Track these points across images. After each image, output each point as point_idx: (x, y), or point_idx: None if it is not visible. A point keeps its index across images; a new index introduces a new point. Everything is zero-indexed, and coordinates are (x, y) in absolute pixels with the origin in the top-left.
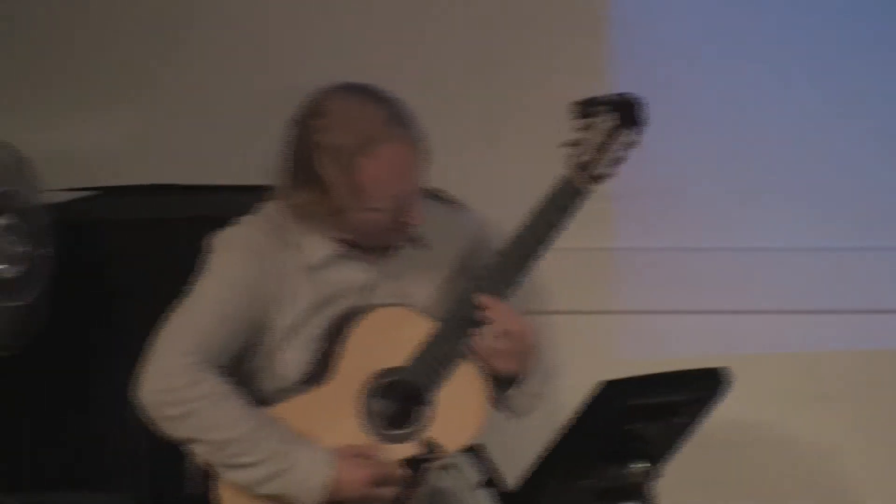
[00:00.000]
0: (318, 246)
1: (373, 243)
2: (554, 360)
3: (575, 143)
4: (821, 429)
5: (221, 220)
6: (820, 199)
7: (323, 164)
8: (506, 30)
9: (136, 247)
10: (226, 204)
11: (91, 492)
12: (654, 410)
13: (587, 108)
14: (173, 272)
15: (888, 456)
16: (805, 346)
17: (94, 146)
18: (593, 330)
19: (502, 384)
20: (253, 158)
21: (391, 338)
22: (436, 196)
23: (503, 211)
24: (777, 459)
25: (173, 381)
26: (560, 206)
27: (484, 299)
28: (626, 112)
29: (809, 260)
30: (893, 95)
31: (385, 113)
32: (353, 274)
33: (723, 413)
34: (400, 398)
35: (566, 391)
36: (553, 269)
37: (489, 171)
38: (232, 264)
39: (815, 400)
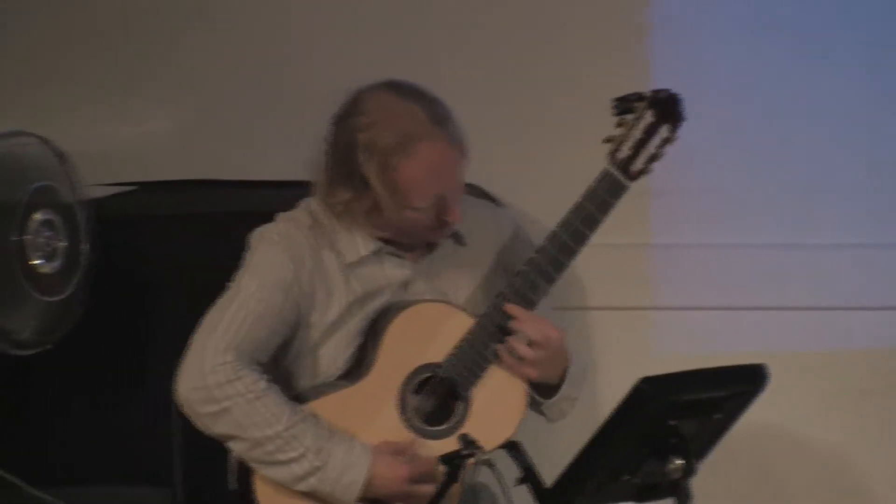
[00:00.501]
0: (356, 243)
1: (411, 241)
2: (587, 361)
3: (614, 140)
4: (860, 426)
5: (259, 216)
6: (858, 196)
7: (363, 163)
8: (547, 30)
9: (173, 242)
10: (264, 200)
11: (127, 486)
12: (695, 407)
13: (626, 104)
14: (210, 268)
15: None
16: (844, 344)
17: (132, 141)
18: (631, 326)
19: (534, 391)
20: (291, 154)
21: (430, 333)
22: (473, 193)
23: (544, 207)
24: (814, 457)
25: (210, 378)
26: (599, 201)
27: (512, 309)
28: (664, 108)
29: (849, 257)
30: None
31: (425, 112)
32: (391, 271)
33: (761, 410)
34: (438, 394)
35: (604, 387)
36: (592, 265)
37: (531, 169)
38: (270, 262)
39: (855, 397)
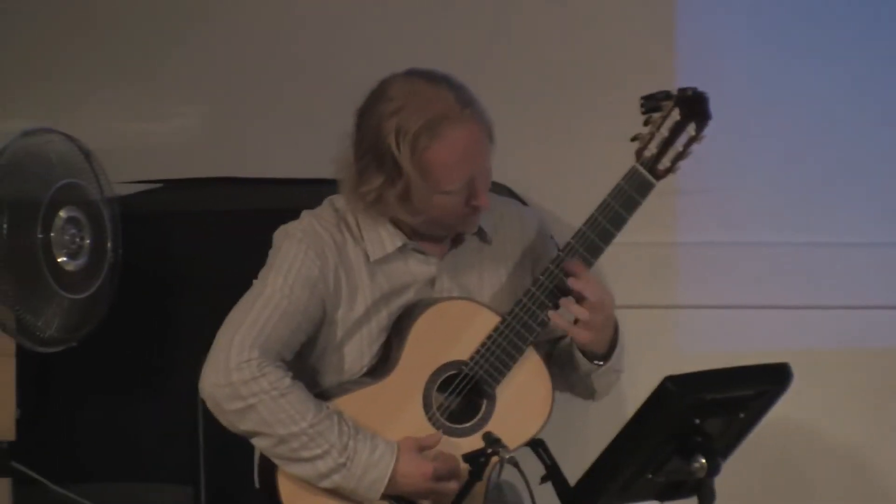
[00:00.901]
0: (381, 240)
1: (440, 231)
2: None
3: (641, 138)
4: (884, 425)
5: (285, 214)
6: (881, 194)
7: (394, 147)
8: (573, 28)
9: (198, 240)
10: (289, 197)
11: (150, 484)
12: (720, 406)
13: (653, 102)
14: (234, 265)
15: None
16: (870, 342)
17: (158, 139)
18: (657, 324)
19: (584, 362)
20: (315, 152)
21: (454, 331)
22: (498, 191)
23: (570, 206)
24: (837, 456)
25: (235, 375)
26: (626, 199)
27: (574, 266)
28: (691, 107)
29: (874, 255)
30: None
31: (453, 95)
32: (416, 268)
33: (785, 408)
34: (463, 392)
35: (629, 386)
36: (618, 263)
37: (556, 167)
38: (295, 259)
39: (879, 396)
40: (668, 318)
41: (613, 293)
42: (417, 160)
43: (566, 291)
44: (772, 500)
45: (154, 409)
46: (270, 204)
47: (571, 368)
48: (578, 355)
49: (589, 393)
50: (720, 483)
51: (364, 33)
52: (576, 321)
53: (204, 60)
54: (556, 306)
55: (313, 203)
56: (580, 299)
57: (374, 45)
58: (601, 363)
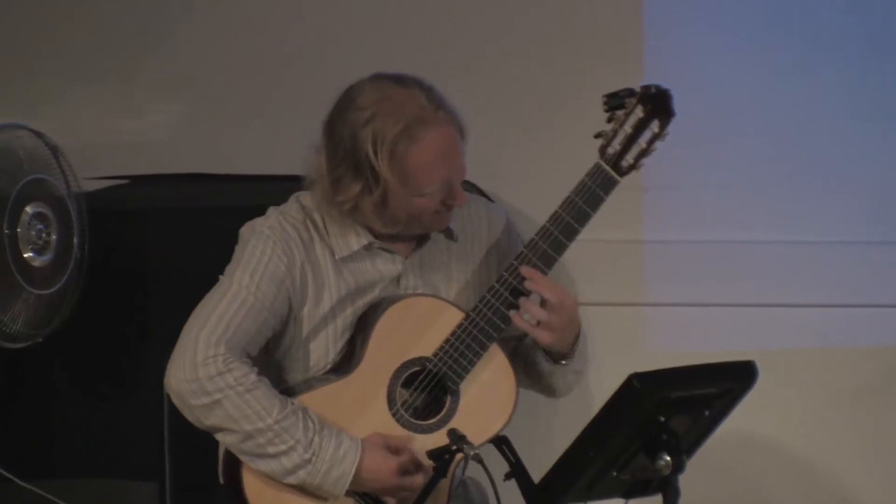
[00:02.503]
0: (348, 238)
1: (413, 231)
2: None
3: (604, 135)
4: (855, 424)
5: (252, 210)
6: (850, 192)
7: (371, 155)
8: (539, 26)
9: (166, 236)
10: (256, 193)
11: (117, 480)
12: (685, 403)
13: (617, 99)
14: (203, 261)
15: None
16: (836, 342)
17: (127, 135)
18: (622, 322)
19: (545, 361)
20: (284, 149)
21: (420, 328)
22: (464, 188)
23: (534, 203)
24: (801, 454)
25: (201, 371)
26: (589, 196)
27: (528, 270)
28: (655, 104)
29: (839, 254)
30: None
31: (424, 96)
32: (382, 265)
33: (753, 407)
34: (427, 388)
35: (596, 383)
36: (583, 260)
37: (521, 164)
38: (262, 256)
39: (849, 395)
40: (634, 316)
41: (578, 290)
42: (397, 166)
43: (526, 292)
44: (742, 499)
45: (121, 405)
46: (239, 201)
47: (533, 367)
48: (539, 355)
49: (550, 391)
50: (689, 480)
51: (331, 34)
52: (538, 322)
53: (173, 57)
54: (518, 306)
55: (281, 200)
56: (541, 301)
57: (341, 45)
58: (563, 363)
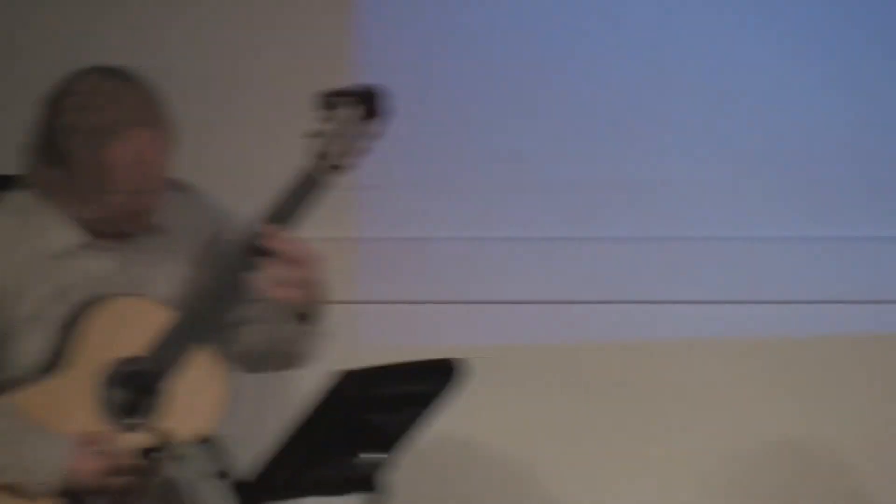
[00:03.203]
0: (61, 234)
1: (112, 229)
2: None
3: (318, 134)
4: (570, 423)
5: None
6: (552, 190)
7: (71, 144)
8: (250, 18)
9: None
10: None
11: None
12: (390, 401)
13: (331, 99)
14: None
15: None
16: (527, 339)
17: None
18: (338, 319)
19: (291, 322)
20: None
21: (129, 327)
22: (174, 184)
23: (247, 200)
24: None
25: None
26: (301, 196)
27: (269, 228)
28: (369, 103)
29: (572, 251)
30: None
31: (136, 97)
32: (96, 263)
33: (463, 405)
34: (136, 388)
35: (309, 380)
36: None
37: (234, 161)
38: None
39: (555, 392)
40: (348, 314)
41: None
42: (92, 160)
43: (259, 252)
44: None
45: None
46: None
47: (277, 337)
48: (281, 316)
49: (295, 360)
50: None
51: (46, 23)
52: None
53: None
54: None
55: None
56: (277, 257)
57: (59, 36)
58: (309, 324)
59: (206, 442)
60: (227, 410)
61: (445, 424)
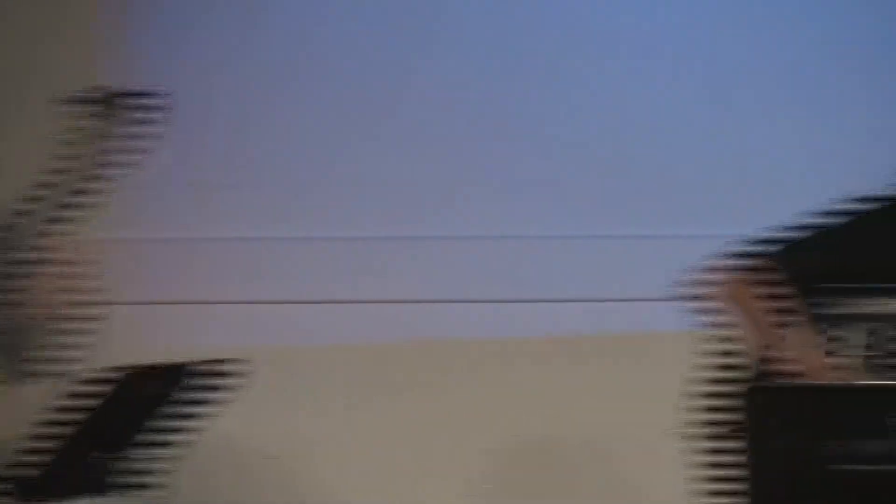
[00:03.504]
0: None
1: None
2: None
3: (77, 135)
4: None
5: None
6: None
7: None
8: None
9: None
10: None
11: None
12: (150, 401)
13: (106, 99)
14: None
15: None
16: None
17: None
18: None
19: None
20: None
21: None
22: None
23: None
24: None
25: None
26: (74, 198)
27: (41, 232)
28: (145, 104)
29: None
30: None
31: None
32: None
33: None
34: None
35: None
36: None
37: None
38: None
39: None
40: (129, 315)
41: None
42: None
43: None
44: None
45: None
46: None
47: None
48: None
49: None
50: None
51: None
52: None
53: None
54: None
55: None
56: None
57: None
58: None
59: None
60: None
61: (222, 426)
